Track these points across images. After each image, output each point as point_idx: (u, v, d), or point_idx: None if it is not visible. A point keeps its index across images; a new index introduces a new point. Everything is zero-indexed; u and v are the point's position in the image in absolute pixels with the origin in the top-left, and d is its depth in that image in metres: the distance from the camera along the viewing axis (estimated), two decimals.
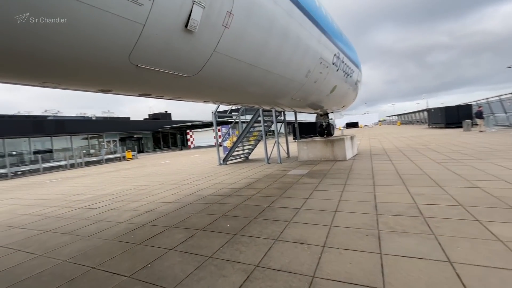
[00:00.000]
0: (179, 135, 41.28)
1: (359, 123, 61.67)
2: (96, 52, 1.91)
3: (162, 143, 41.23)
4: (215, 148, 12.46)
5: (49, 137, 26.05)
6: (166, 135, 41.55)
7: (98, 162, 22.50)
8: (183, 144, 39.65)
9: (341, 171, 6.51)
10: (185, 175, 8.89)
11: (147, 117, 50.70)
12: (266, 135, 10.27)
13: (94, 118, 41.19)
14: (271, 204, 4.18)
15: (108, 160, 23.34)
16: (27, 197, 7.81)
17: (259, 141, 12.18)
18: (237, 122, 13.89)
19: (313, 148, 9.17)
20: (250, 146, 12.37)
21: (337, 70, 6.19)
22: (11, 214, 5.58)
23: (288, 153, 11.69)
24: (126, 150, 25.23)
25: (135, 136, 37.85)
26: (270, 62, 3.60)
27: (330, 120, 10.09)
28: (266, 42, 3.25)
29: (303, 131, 23.15)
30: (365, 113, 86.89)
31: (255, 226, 3.25)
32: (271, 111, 10.34)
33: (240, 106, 8.83)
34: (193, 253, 2.65)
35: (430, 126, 27.29)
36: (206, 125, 32.51)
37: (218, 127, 15.67)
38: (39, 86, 2.22)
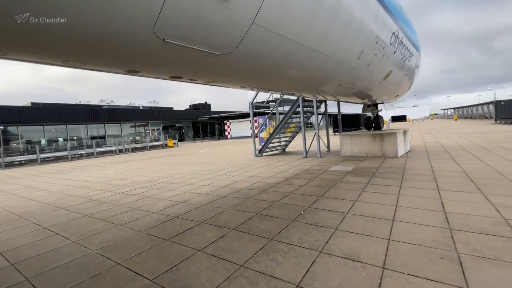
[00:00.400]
0: (217, 125, 42.29)
1: (407, 117, 56.32)
2: (115, 21, 1.61)
3: (201, 132, 42.74)
4: (251, 139, 12.19)
5: (102, 124, 28.67)
6: (205, 125, 42.89)
7: (143, 149, 24.06)
8: (221, 134, 40.54)
9: (393, 170, 5.67)
10: (220, 165, 8.78)
11: (188, 107, 52.98)
12: (304, 126, 9.62)
13: (141, 108, 44.28)
14: (312, 204, 3.68)
15: (152, 147, 24.83)
16: (79, 178, 8.45)
17: (297, 133, 11.55)
18: (274, 113, 13.39)
19: (358, 142, 8.30)
20: (287, 138, 11.82)
21: (394, 53, 5.28)
22: (62, 194, 5.98)
23: (328, 147, 10.89)
24: (168, 138, 26.55)
25: (176, 125, 39.81)
26: (318, 39, 3.03)
27: (379, 112, 9.01)
28: (315, 13, 2.69)
29: (345, 123, 21.70)
30: (414, 106, 79.02)
31: (294, 230, 2.81)
32: (311, 101, 9.63)
33: (279, 93, 8.30)
34: (223, 258, 2.32)
35: (498, 121, 23.50)
36: (243, 115, 32.62)
37: (255, 118, 15.37)
38: (63, 66, 2.03)
